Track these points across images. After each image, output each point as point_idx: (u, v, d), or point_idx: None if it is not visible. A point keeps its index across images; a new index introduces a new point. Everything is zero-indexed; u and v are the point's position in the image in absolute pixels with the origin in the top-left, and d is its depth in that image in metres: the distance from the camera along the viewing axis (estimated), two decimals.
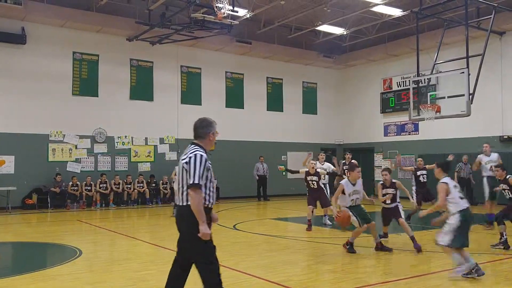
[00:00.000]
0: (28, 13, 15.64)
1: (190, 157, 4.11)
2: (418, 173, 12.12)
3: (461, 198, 6.47)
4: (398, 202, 8.86)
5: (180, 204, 4.20)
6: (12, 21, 15.85)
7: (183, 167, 4.15)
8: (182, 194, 4.17)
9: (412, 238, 8.26)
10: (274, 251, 8.40)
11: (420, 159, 12.77)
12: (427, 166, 12.04)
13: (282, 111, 22.03)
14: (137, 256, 8.07)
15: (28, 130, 16.08)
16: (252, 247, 8.83)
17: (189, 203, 4.08)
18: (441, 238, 6.37)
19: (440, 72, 15.48)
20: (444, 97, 13.99)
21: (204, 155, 4.18)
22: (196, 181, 4.02)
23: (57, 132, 16.68)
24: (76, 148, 17.02)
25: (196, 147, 4.25)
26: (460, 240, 6.26)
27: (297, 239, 10.01)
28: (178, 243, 4.34)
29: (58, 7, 16.06)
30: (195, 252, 4.14)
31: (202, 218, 4.04)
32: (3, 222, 12.95)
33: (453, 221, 6.32)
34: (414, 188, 12.04)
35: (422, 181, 12.07)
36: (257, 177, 19.52)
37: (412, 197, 11.07)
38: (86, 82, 17.25)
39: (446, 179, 6.54)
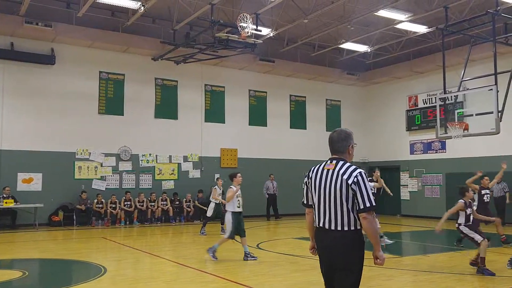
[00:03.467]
0: (58, 35, 16.07)
1: (357, 177, 3.65)
2: (483, 192, 11.36)
3: None
4: None
5: (339, 228, 3.66)
6: (42, 42, 16.31)
7: (347, 187, 3.66)
8: (345, 217, 3.66)
9: None
10: (299, 271, 8.24)
11: (486, 177, 11.71)
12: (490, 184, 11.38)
13: (306, 129, 21.94)
14: (161, 274, 8.03)
15: (55, 148, 16.39)
16: (276, 267, 8.70)
17: (357, 227, 3.66)
18: None
19: (468, 89, 15.19)
20: (472, 115, 13.69)
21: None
22: (374, 203, 3.61)
23: (83, 150, 16.95)
24: (101, 166, 17.24)
25: (350, 163, 3.81)
26: None
27: None
28: (329, 271, 3.80)
29: (86, 28, 16.47)
30: (355, 283, 3.68)
31: (379, 243, 3.74)
32: (30, 239, 13.13)
33: None
34: (475, 208, 11.05)
35: (486, 200, 11.33)
36: (267, 196, 19.35)
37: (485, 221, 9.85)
38: (112, 101, 17.55)
39: None
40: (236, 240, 9.58)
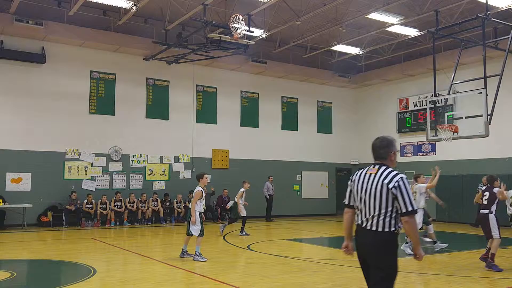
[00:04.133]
0: (48, 33, 15.96)
1: (398, 182, 3.88)
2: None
3: None
4: None
5: (374, 229, 3.93)
6: (33, 41, 16.18)
7: (387, 191, 3.89)
8: (381, 219, 3.90)
9: None
10: (289, 273, 8.25)
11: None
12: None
13: (297, 130, 21.98)
14: (150, 275, 8.00)
15: (45, 147, 16.26)
16: (267, 268, 8.70)
17: (391, 229, 3.89)
18: None
19: (458, 92, 15.32)
20: (461, 118, 13.80)
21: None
22: (415, 207, 3.89)
23: (73, 150, 16.83)
24: (91, 166, 17.13)
25: (392, 169, 4.05)
26: None
27: (313, 261, 9.83)
28: (364, 266, 4.09)
29: (77, 27, 16.38)
30: (385, 278, 3.92)
31: (419, 243, 4.03)
32: (19, 239, 13.01)
33: None
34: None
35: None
36: (268, 197, 19.37)
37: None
38: (102, 101, 17.45)
39: None
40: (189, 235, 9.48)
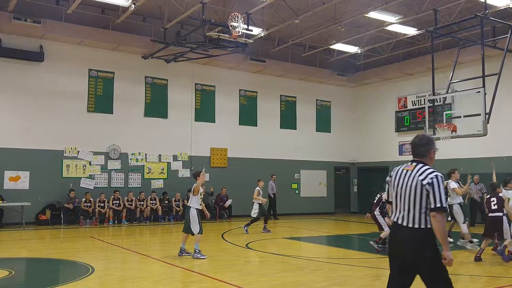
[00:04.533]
0: (47, 32, 15.93)
1: (432, 179, 3.94)
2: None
3: None
4: None
5: (410, 225, 3.95)
6: (31, 39, 16.15)
7: (422, 187, 3.94)
8: (416, 215, 3.94)
9: None
10: (287, 271, 8.26)
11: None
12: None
13: (296, 129, 21.98)
14: (149, 274, 8.00)
15: (43, 146, 16.23)
16: (265, 267, 8.71)
17: (428, 226, 3.91)
18: None
19: (456, 91, 15.31)
20: (460, 116, 13.83)
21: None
22: (444, 205, 3.89)
23: (71, 149, 16.82)
24: (90, 164, 17.12)
25: (429, 166, 4.09)
26: None
27: (311, 260, 9.85)
28: (401, 264, 4.02)
29: (76, 25, 16.35)
30: (435, 275, 3.88)
31: (447, 243, 3.92)
32: (17, 238, 13.00)
33: None
34: None
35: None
36: (272, 196, 19.32)
37: None
38: (101, 99, 17.43)
39: None
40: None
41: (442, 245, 3.89)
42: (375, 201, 10.74)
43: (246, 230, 13.97)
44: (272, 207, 19.32)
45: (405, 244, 3.95)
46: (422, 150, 4.20)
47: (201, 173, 9.65)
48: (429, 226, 3.91)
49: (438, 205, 3.86)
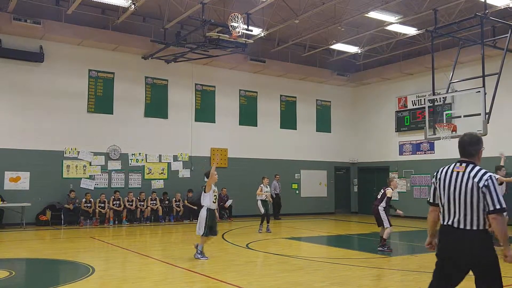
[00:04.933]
0: (47, 32, 15.93)
1: (487, 181, 3.87)
2: None
3: None
4: None
5: (468, 228, 3.91)
6: (31, 39, 16.15)
7: (478, 190, 3.87)
8: (474, 217, 3.89)
9: None
10: (288, 271, 8.26)
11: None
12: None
13: (296, 129, 21.98)
14: (149, 274, 8.00)
15: (43, 146, 16.23)
16: (265, 267, 8.71)
17: (486, 227, 3.90)
18: None
19: (456, 91, 15.34)
20: (460, 116, 13.85)
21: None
22: (504, 205, 3.84)
23: (71, 149, 16.82)
24: (90, 165, 17.12)
25: (479, 167, 4.02)
26: None
27: (311, 260, 9.85)
28: (453, 267, 4.02)
29: (76, 26, 16.35)
30: (490, 276, 3.92)
31: (508, 243, 3.88)
32: (17, 238, 13.00)
33: None
34: None
35: None
36: (274, 195, 19.25)
37: None
38: (101, 100, 17.43)
39: None
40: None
41: (503, 244, 3.85)
42: (379, 197, 10.76)
43: (268, 229, 14.14)
44: (275, 207, 19.30)
45: (463, 246, 3.90)
46: (472, 150, 4.09)
47: (211, 171, 9.55)
48: (486, 227, 3.88)
49: (498, 206, 3.81)
